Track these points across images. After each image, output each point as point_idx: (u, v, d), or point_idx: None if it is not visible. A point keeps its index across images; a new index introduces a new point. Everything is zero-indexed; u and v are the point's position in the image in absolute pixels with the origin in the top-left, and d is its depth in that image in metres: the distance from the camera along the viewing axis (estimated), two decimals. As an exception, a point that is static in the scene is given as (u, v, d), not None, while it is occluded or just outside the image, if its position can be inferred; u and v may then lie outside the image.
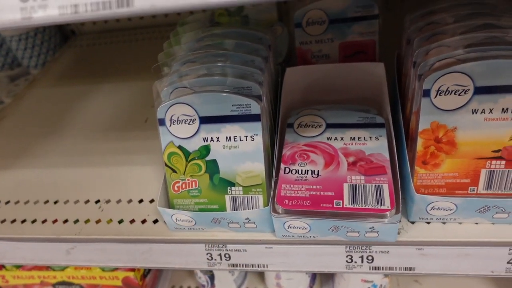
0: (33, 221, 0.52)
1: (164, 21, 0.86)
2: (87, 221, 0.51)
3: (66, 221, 0.51)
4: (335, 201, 0.40)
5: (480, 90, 0.38)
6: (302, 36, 0.55)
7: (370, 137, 0.45)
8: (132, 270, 0.66)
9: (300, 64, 0.56)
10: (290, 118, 0.49)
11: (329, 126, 0.47)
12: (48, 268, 0.67)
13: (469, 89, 0.38)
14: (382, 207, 0.38)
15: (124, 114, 0.67)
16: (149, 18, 0.87)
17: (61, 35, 0.90)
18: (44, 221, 0.52)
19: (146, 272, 0.70)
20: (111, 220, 0.50)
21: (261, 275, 0.72)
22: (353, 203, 0.39)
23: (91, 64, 0.82)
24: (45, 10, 0.22)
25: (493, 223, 0.42)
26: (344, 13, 0.52)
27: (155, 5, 0.22)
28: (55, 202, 0.54)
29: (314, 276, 0.68)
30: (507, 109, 0.38)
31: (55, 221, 0.52)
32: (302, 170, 0.43)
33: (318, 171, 0.43)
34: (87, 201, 0.54)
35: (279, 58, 0.59)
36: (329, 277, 0.69)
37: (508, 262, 0.41)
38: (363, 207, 0.39)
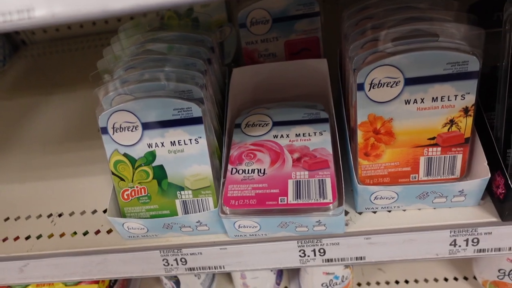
0: (-18, 241, 0.51)
1: (117, 26, 0.85)
2: (39, 236, 0.50)
3: (17, 238, 0.50)
4: (280, 198, 0.40)
5: (410, 81, 0.39)
6: (248, 36, 0.55)
7: (314, 133, 0.46)
8: (96, 282, 0.65)
9: (248, 64, 0.56)
10: (238, 119, 0.50)
11: (276, 124, 0.48)
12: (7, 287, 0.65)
13: (399, 81, 0.39)
14: (325, 201, 0.39)
15: (76, 124, 0.65)
16: (102, 24, 0.85)
17: (10, 46, 0.87)
18: (-7, 240, 0.50)
19: (112, 283, 0.69)
20: (64, 233, 0.50)
21: (229, 276, 0.73)
22: (297, 198, 0.40)
23: (42, 74, 0.79)
24: None
25: (434, 208, 0.44)
26: (286, 12, 0.53)
27: (56, 15, 0.21)
28: (6, 220, 0.53)
29: (280, 272, 0.69)
30: (436, 98, 0.40)
31: (5, 239, 0.50)
32: (248, 169, 0.43)
33: (264, 169, 0.43)
34: (39, 216, 0.52)
35: (227, 59, 0.59)
36: (295, 272, 0.70)
37: (450, 244, 0.43)
38: (307, 201, 0.40)
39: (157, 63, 0.44)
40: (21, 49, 0.88)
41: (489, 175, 0.39)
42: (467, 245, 0.42)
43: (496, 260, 0.58)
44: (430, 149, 0.42)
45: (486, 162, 0.40)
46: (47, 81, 0.77)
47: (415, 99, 0.40)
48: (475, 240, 0.42)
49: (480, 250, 0.43)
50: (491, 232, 0.41)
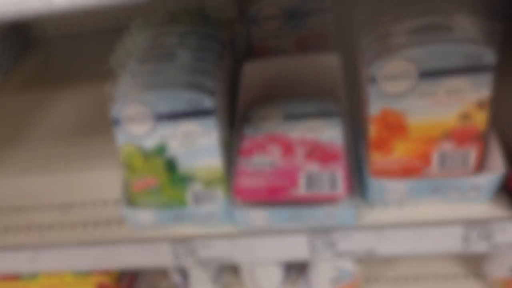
0: (-5, 230, 0.51)
1: (128, 23, 0.85)
2: (50, 226, 0.50)
3: (28, 228, 0.51)
4: (291, 189, 0.40)
5: (423, 75, 0.39)
6: (259, 32, 0.55)
7: (326, 126, 0.46)
8: (105, 274, 0.65)
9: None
10: (249, 112, 0.50)
11: (287, 117, 0.48)
12: (18, 278, 0.66)
13: (413, 74, 0.39)
14: (336, 193, 0.39)
15: (88, 118, 0.66)
16: (113, 21, 0.86)
17: (23, 43, 0.88)
18: (6, 230, 0.51)
19: (121, 275, 0.69)
20: (74, 224, 0.50)
21: (236, 270, 0.73)
22: (308, 190, 0.40)
23: (55, 70, 0.80)
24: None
25: (447, 202, 0.43)
26: (298, 8, 0.53)
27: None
28: (17, 210, 0.53)
29: (288, 266, 0.69)
30: (450, 91, 0.39)
31: (16, 229, 0.51)
32: (259, 161, 0.43)
33: (275, 161, 0.43)
34: (50, 207, 0.53)
35: (238, 54, 0.59)
36: (303, 266, 0.70)
37: (463, 239, 0.43)
38: (318, 193, 0.40)
39: (170, 57, 0.45)
40: (33, 46, 0.89)
41: (504, 170, 0.39)
42: (480, 240, 0.42)
43: (507, 258, 0.57)
44: (444, 143, 0.42)
45: (501, 156, 0.39)
46: (59, 77, 0.78)
47: (429, 93, 0.40)
48: (489, 235, 0.42)
49: (493, 246, 0.42)
50: (505, 228, 0.41)
